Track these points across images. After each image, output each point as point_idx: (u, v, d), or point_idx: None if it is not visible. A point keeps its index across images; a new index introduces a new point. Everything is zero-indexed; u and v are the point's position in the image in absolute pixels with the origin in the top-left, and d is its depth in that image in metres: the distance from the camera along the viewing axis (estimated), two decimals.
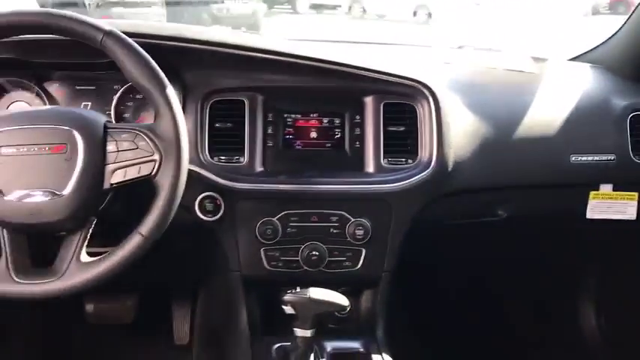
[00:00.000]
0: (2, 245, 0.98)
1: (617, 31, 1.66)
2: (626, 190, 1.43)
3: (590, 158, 1.40)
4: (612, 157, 1.41)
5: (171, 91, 1.01)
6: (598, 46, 1.74)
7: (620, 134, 1.43)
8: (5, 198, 0.95)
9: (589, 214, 1.44)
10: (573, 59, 1.79)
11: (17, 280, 0.96)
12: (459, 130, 1.31)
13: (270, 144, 1.29)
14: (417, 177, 1.27)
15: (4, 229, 0.98)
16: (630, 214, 1.44)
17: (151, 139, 0.99)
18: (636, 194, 1.44)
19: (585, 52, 1.77)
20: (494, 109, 1.39)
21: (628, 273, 1.82)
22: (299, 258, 1.25)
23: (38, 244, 1.02)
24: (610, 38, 1.70)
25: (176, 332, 1.92)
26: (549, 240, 1.63)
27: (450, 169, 1.29)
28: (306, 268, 1.25)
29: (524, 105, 1.42)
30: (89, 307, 1.80)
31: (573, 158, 1.39)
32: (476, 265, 1.69)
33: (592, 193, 1.43)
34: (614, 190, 1.43)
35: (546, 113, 1.42)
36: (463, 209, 1.40)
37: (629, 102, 1.46)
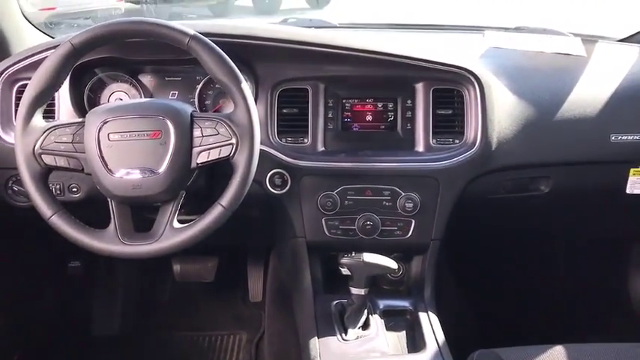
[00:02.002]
0: (111, 213, 1.16)
1: None
2: None
3: (630, 137, 1.47)
4: None
5: (246, 86, 1.16)
6: None
7: None
8: (114, 175, 1.13)
9: (629, 190, 1.51)
10: (624, 40, 1.84)
11: (124, 242, 1.14)
12: (504, 112, 1.41)
13: (330, 126, 1.43)
14: (463, 155, 1.38)
15: (113, 201, 1.16)
16: None
17: (229, 126, 1.15)
18: None
19: (636, 33, 1.81)
20: (538, 93, 1.47)
21: None
22: (355, 227, 1.39)
23: (139, 213, 1.21)
24: None
25: (251, 291, 2.12)
26: (593, 213, 1.70)
27: (493, 148, 1.39)
28: (361, 236, 1.39)
29: (568, 87, 1.49)
30: (176, 267, 2.03)
31: (613, 137, 1.46)
32: (522, 235, 1.77)
33: (632, 170, 1.50)
34: None
35: (589, 95, 1.49)
36: (506, 185, 1.49)
37: None
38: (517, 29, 1.87)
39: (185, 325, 2.10)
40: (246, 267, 2.14)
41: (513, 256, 1.85)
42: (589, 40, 1.73)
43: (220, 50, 1.16)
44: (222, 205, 1.15)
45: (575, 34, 1.74)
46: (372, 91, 1.44)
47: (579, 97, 1.49)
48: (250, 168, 1.15)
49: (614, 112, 1.48)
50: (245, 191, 1.16)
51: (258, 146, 1.17)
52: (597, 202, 1.62)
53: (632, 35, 1.81)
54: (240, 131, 1.15)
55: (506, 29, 1.87)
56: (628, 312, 1.98)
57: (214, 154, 1.16)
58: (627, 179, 1.51)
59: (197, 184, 1.27)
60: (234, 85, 1.16)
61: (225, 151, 1.15)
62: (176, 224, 1.17)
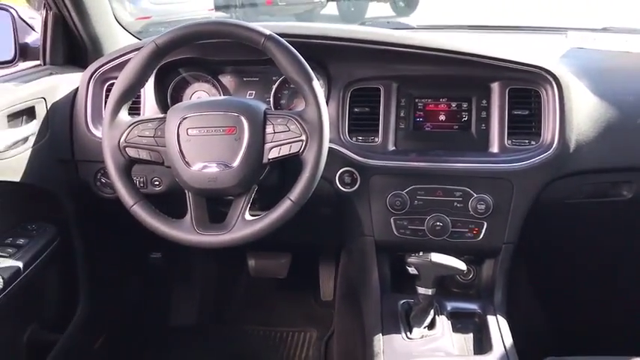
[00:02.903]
0: (188, 205, 1.21)
1: None
2: None
3: None
4: None
5: (317, 85, 1.18)
6: None
7: None
8: (191, 168, 1.18)
9: None
10: None
11: (199, 231, 1.19)
12: (583, 114, 1.37)
13: (401, 126, 1.43)
14: (539, 157, 1.35)
15: (190, 192, 1.21)
16: None
17: (299, 123, 1.17)
18: None
19: None
20: (621, 94, 1.41)
21: None
22: (424, 227, 1.38)
23: (214, 205, 1.25)
24: None
25: (322, 289, 2.15)
26: None
27: (571, 150, 1.35)
28: (430, 236, 1.38)
29: None
30: (251, 262, 2.09)
31: None
32: (601, 242, 1.70)
33: None
34: None
35: None
36: (586, 189, 1.43)
37: None
38: (604, 30, 1.80)
39: (258, 319, 2.16)
40: (318, 265, 2.17)
41: (590, 264, 1.77)
42: None
43: (293, 49, 1.19)
44: (290, 199, 1.18)
45: None
46: (446, 91, 1.44)
47: None
48: (319, 164, 1.17)
49: None
50: (313, 187, 1.18)
51: (327, 143, 1.19)
52: None
53: None
54: (310, 128, 1.18)
55: (592, 30, 1.81)
56: None
57: (285, 150, 1.19)
58: None
59: (269, 180, 1.31)
60: (305, 83, 1.18)
61: (295, 147, 1.18)
62: (248, 217, 1.21)
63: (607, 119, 1.38)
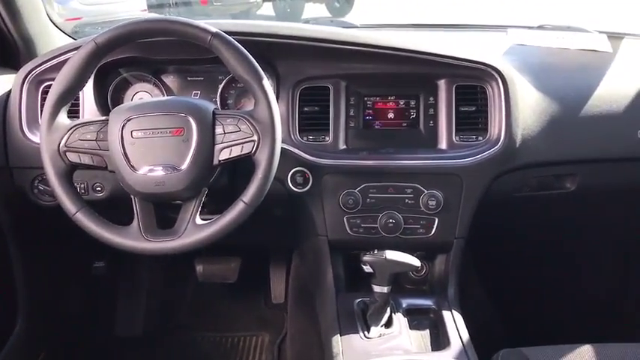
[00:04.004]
0: (135, 210, 1.17)
1: None
2: None
3: None
4: None
5: (267, 83, 1.16)
6: None
7: None
8: (137, 172, 1.14)
9: None
10: None
11: (147, 238, 1.15)
12: (528, 109, 1.40)
13: (352, 124, 1.42)
14: (486, 153, 1.37)
15: (136, 198, 1.17)
16: None
17: (250, 123, 1.15)
18: None
19: None
20: (563, 89, 1.45)
21: None
22: (377, 225, 1.38)
23: (162, 210, 1.21)
24: None
25: (273, 291, 2.12)
26: (620, 211, 1.67)
27: (517, 145, 1.38)
28: (383, 234, 1.38)
29: (593, 84, 1.47)
30: (199, 268, 2.04)
31: None
32: (548, 234, 1.75)
33: None
34: None
35: (615, 91, 1.47)
36: (531, 183, 1.47)
37: None
38: (540, 27, 1.85)
39: (207, 325, 2.11)
40: (268, 268, 2.14)
41: (538, 255, 1.83)
42: (615, 37, 1.70)
43: (242, 47, 1.17)
44: (244, 201, 1.15)
45: (601, 32, 1.72)
46: (394, 89, 1.44)
47: (605, 94, 1.47)
48: (272, 165, 1.15)
49: None
50: (267, 188, 1.16)
51: (279, 143, 1.17)
52: (624, 200, 1.59)
53: None
54: (262, 128, 1.15)
55: (529, 28, 1.85)
56: None
57: (236, 151, 1.16)
58: None
59: (220, 183, 1.28)
60: (255, 82, 1.16)
61: (246, 148, 1.16)
62: (199, 221, 1.18)
63: (550, 114, 1.42)
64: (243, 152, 1.16)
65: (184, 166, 1.15)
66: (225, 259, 2.05)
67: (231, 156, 1.16)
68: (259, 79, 1.16)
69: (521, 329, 1.69)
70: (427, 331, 1.30)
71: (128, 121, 1.16)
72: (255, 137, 1.15)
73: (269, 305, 2.16)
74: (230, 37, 1.17)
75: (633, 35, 1.79)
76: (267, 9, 7.00)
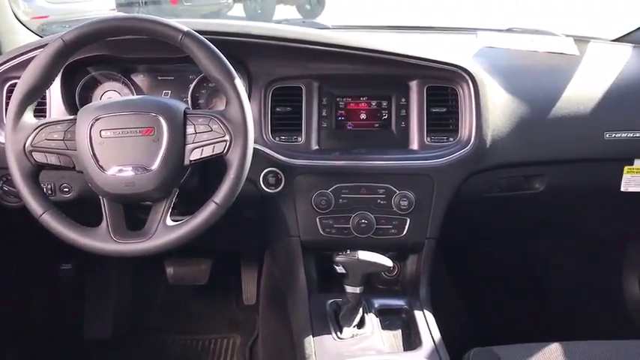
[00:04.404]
0: (103, 211, 1.15)
1: None
2: None
3: (624, 135, 1.47)
4: None
5: (239, 82, 1.15)
6: None
7: None
8: (105, 173, 1.12)
9: (623, 188, 1.51)
10: (617, 40, 1.85)
11: (116, 240, 1.13)
12: (498, 110, 1.41)
13: (324, 125, 1.42)
14: (457, 153, 1.38)
15: (105, 198, 1.15)
16: None
17: (222, 123, 1.14)
18: None
19: (629, 33, 1.82)
20: (532, 91, 1.47)
21: None
22: (350, 225, 1.38)
23: (131, 211, 1.19)
24: None
25: (245, 293, 2.11)
26: (588, 212, 1.70)
27: (488, 146, 1.39)
28: (356, 234, 1.38)
29: (561, 86, 1.49)
30: (169, 270, 2.01)
31: (607, 135, 1.47)
32: (517, 234, 1.77)
33: (626, 168, 1.50)
34: None
35: (582, 93, 1.49)
36: (501, 183, 1.49)
37: None
38: (509, 30, 1.88)
39: (178, 328, 2.08)
40: (240, 269, 2.13)
41: (509, 255, 1.85)
42: (581, 40, 1.74)
43: (213, 46, 1.16)
44: (215, 202, 1.14)
45: (568, 35, 1.75)
46: (366, 90, 1.44)
47: (573, 95, 1.49)
48: (244, 165, 1.14)
49: (608, 109, 1.49)
50: (239, 189, 1.15)
51: (252, 143, 1.16)
52: (592, 200, 1.62)
53: (625, 35, 1.82)
54: (234, 128, 1.14)
55: (498, 31, 1.88)
56: (622, 311, 1.98)
57: (208, 151, 1.15)
58: (622, 177, 1.51)
59: (191, 183, 1.27)
60: (227, 81, 1.15)
61: (218, 148, 1.14)
62: (169, 222, 1.16)
63: (519, 115, 1.44)
64: (214, 152, 1.15)
65: (154, 166, 1.13)
66: (196, 261, 2.03)
67: (202, 156, 1.15)
68: (231, 79, 1.15)
69: (492, 328, 1.71)
70: (399, 331, 1.31)
71: (97, 120, 1.14)
72: (227, 137, 1.14)
73: (241, 307, 2.15)
74: (201, 36, 1.15)
75: (598, 39, 1.83)
76: (238, 10, 6.97)
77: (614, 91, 1.51)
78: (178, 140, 1.14)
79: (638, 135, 1.48)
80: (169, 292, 2.18)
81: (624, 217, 1.76)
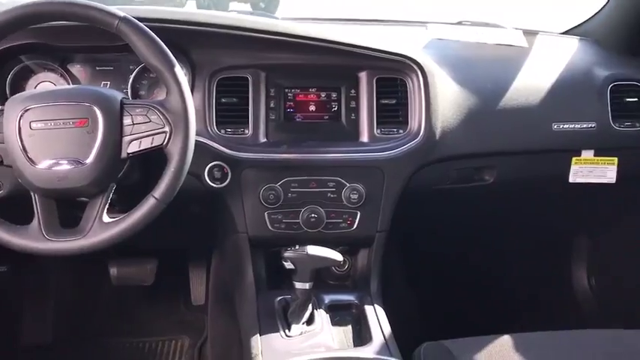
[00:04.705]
0: (35, 208, 1.08)
1: (605, 4, 1.73)
2: (606, 156, 1.52)
3: (572, 126, 1.48)
4: (593, 125, 1.49)
5: (179, 70, 1.10)
6: (588, 20, 1.81)
7: (601, 103, 1.51)
8: (36, 167, 1.05)
9: (571, 179, 1.53)
10: (565, 32, 1.87)
11: (48, 238, 1.06)
12: (447, 102, 1.40)
13: (272, 117, 1.38)
14: (407, 145, 1.36)
15: (36, 194, 1.08)
16: (610, 178, 1.53)
17: (161, 113, 1.08)
18: (616, 159, 1.52)
19: (577, 26, 1.84)
20: (481, 82, 1.47)
21: (614, 235, 1.91)
22: (299, 220, 1.34)
23: (65, 207, 1.12)
24: (599, 12, 1.77)
25: (193, 293, 2.05)
26: (538, 204, 1.72)
27: (437, 137, 1.38)
28: (306, 229, 1.35)
29: (509, 77, 1.50)
30: (113, 271, 1.93)
31: (555, 126, 1.47)
32: (468, 226, 1.77)
33: (574, 159, 1.51)
34: (595, 155, 1.51)
35: (530, 84, 1.50)
36: (451, 175, 1.48)
37: (610, 72, 1.54)
38: (459, 23, 1.88)
39: (123, 331, 2.00)
40: (188, 268, 2.06)
41: (461, 248, 1.85)
42: (530, 33, 1.75)
43: (152, 33, 1.10)
44: (155, 197, 1.08)
45: (517, 29, 1.76)
46: (315, 81, 1.41)
47: (521, 87, 1.50)
48: (185, 157, 1.09)
49: (556, 101, 1.50)
50: (180, 183, 1.10)
51: (193, 134, 1.11)
52: (542, 192, 1.63)
53: (572, 28, 1.85)
54: (174, 118, 1.09)
55: (449, 24, 1.87)
56: (572, 302, 2.01)
57: (146, 143, 1.09)
58: (570, 168, 1.52)
59: (132, 178, 1.22)
60: (166, 69, 1.09)
61: (157, 140, 1.09)
62: (106, 219, 1.10)
63: (469, 107, 1.43)
64: (153, 144, 1.09)
65: (89, 159, 1.07)
66: (141, 261, 1.95)
67: (140, 148, 1.09)
68: (171, 67, 1.09)
69: (446, 322, 1.70)
70: (349, 326, 1.28)
71: (26, 110, 1.07)
72: (167, 128, 1.09)
73: (189, 307, 2.08)
74: (139, 22, 1.09)
75: (547, 32, 1.85)
76: (191, 7, 6.86)
77: (562, 83, 1.52)
78: (114, 132, 1.08)
79: (585, 126, 1.49)
80: (114, 294, 2.09)
81: (573, 208, 1.78)
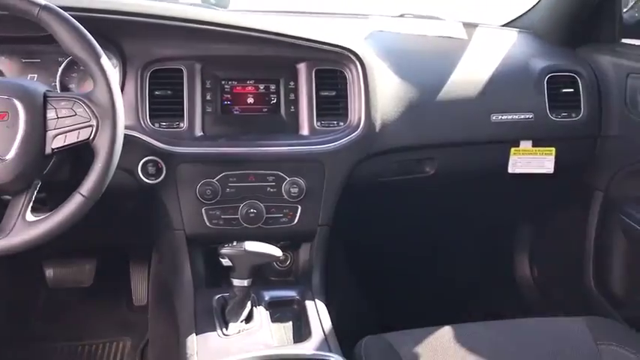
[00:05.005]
0: None
1: None
2: (544, 146, 1.54)
3: (510, 117, 1.50)
4: (531, 116, 1.51)
5: (106, 61, 1.05)
6: (526, 12, 1.84)
7: (539, 94, 1.52)
8: None
9: (510, 169, 1.54)
10: (505, 25, 1.89)
11: None
12: (387, 94, 1.39)
13: (209, 110, 1.34)
14: (347, 138, 1.35)
15: None
16: (548, 168, 1.55)
17: (87, 106, 1.04)
18: (553, 149, 1.54)
19: (516, 18, 1.86)
20: (421, 74, 1.47)
21: (553, 225, 1.94)
22: (238, 216, 1.31)
23: None
24: (536, 4, 1.79)
25: (135, 293, 1.98)
26: (479, 194, 1.73)
27: (377, 130, 1.37)
28: (245, 225, 1.31)
29: (449, 69, 1.50)
30: (49, 272, 1.85)
31: (494, 117, 1.48)
32: (412, 218, 1.78)
33: (513, 149, 1.53)
34: (533, 146, 1.53)
35: (469, 76, 1.51)
36: (393, 167, 1.47)
37: (547, 64, 1.56)
38: (401, 16, 1.88)
39: (62, 335, 1.92)
40: (129, 268, 2.00)
41: (405, 240, 1.85)
42: (470, 25, 1.76)
43: (76, 22, 1.05)
44: (82, 193, 1.04)
45: (457, 21, 1.77)
46: (253, 72, 1.38)
47: (461, 79, 1.50)
48: (113, 152, 1.05)
49: (494, 92, 1.51)
50: (108, 178, 1.05)
51: (122, 128, 1.07)
52: (483, 183, 1.64)
53: (512, 21, 1.87)
54: (101, 112, 1.04)
55: (391, 16, 1.87)
56: (515, 292, 2.04)
57: (72, 138, 1.04)
58: (509, 159, 1.54)
59: (60, 175, 1.16)
60: (92, 60, 1.05)
61: (84, 134, 1.04)
62: (29, 217, 1.04)
63: (409, 99, 1.43)
64: (79, 139, 1.04)
65: (10, 155, 1.01)
66: (79, 262, 1.88)
67: (66, 143, 1.04)
68: (96, 57, 1.05)
69: (390, 316, 1.70)
70: (290, 323, 1.26)
71: None
72: (94, 122, 1.04)
73: (132, 308, 2.01)
74: (62, 11, 1.04)
75: (487, 25, 1.86)
76: None
77: (500, 75, 1.53)
78: (38, 126, 1.03)
79: (522, 117, 1.51)
80: (51, 297, 2.00)
81: (513, 199, 1.81)
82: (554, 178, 1.57)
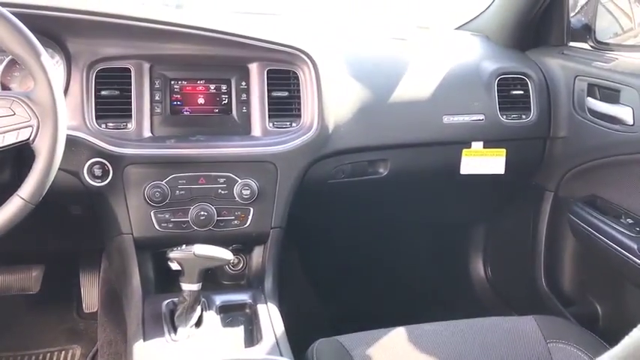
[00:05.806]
0: None
1: (493, 1, 1.78)
2: (495, 147, 1.56)
3: (461, 118, 1.51)
4: (482, 117, 1.53)
5: (47, 59, 1.01)
6: (479, 15, 1.86)
7: (489, 96, 1.54)
8: None
9: (462, 170, 1.55)
10: (459, 27, 1.91)
11: None
12: (340, 95, 1.39)
13: (157, 110, 1.31)
14: (300, 139, 1.34)
15: None
16: (499, 169, 1.57)
17: (27, 105, 1.00)
18: (504, 150, 1.56)
19: (468, 21, 1.89)
20: (373, 76, 1.47)
21: (505, 225, 1.97)
22: (188, 219, 1.28)
23: None
24: (487, 8, 1.82)
25: (85, 300, 1.92)
26: (432, 195, 1.74)
27: (330, 131, 1.36)
28: (195, 228, 1.29)
29: (401, 71, 1.50)
30: None
31: (445, 119, 1.49)
32: (366, 220, 1.77)
33: (464, 151, 1.54)
34: (484, 147, 1.55)
35: (421, 78, 1.51)
36: (345, 169, 1.46)
37: (497, 66, 1.58)
38: (355, 17, 1.88)
39: (6, 345, 1.84)
40: (78, 274, 1.93)
41: (360, 242, 1.85)
42: (423, 28, 1.77)
43: (14, 18, 1.01)
44: (21, 197, 1.00)
45: (411, 24, 1.78)
46: (204, 72, 1.35)
47: (413, 81, 1.51)
48: (54, 153, 1.01)
49: (446, 94, 1.52)
50: (49, 180, 1.02)
51: (63, 128, 1.03)
52: (436, 184, 1.65)
53: (465, 24, 1.89)
54: (41, 111, 1.01)
55: (344, 18, 1.87)
56: (470, 292, 2.06)
57: (10, 139, 1.00)
58: (461, 160, 1.55)
59: (1, 178, 1.13)
60: (31, 57, 1.01)
61: (23, 135, 1.00)
62: None
63: (361, 100, 1.42)
64: (19, 139, 1.01)
65: None
66: (25, 268, 1.81)
67: (4, 144, 1.00)
68: (36, 55, 1.01)
69: (345, 317, 1.69)
70: (242, 327, 1.23)
71: None
72: (34, 122, 1.01)
73: (82, 315, 1.95)
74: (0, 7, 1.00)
75: (439, 27, 1.88)
76: None
77: (452, 77, 1.54)
78: None
79: (474, 118, 1.52)
80: None
81: (466, 199, 1.82)
82: (506, 178, 1.59)
